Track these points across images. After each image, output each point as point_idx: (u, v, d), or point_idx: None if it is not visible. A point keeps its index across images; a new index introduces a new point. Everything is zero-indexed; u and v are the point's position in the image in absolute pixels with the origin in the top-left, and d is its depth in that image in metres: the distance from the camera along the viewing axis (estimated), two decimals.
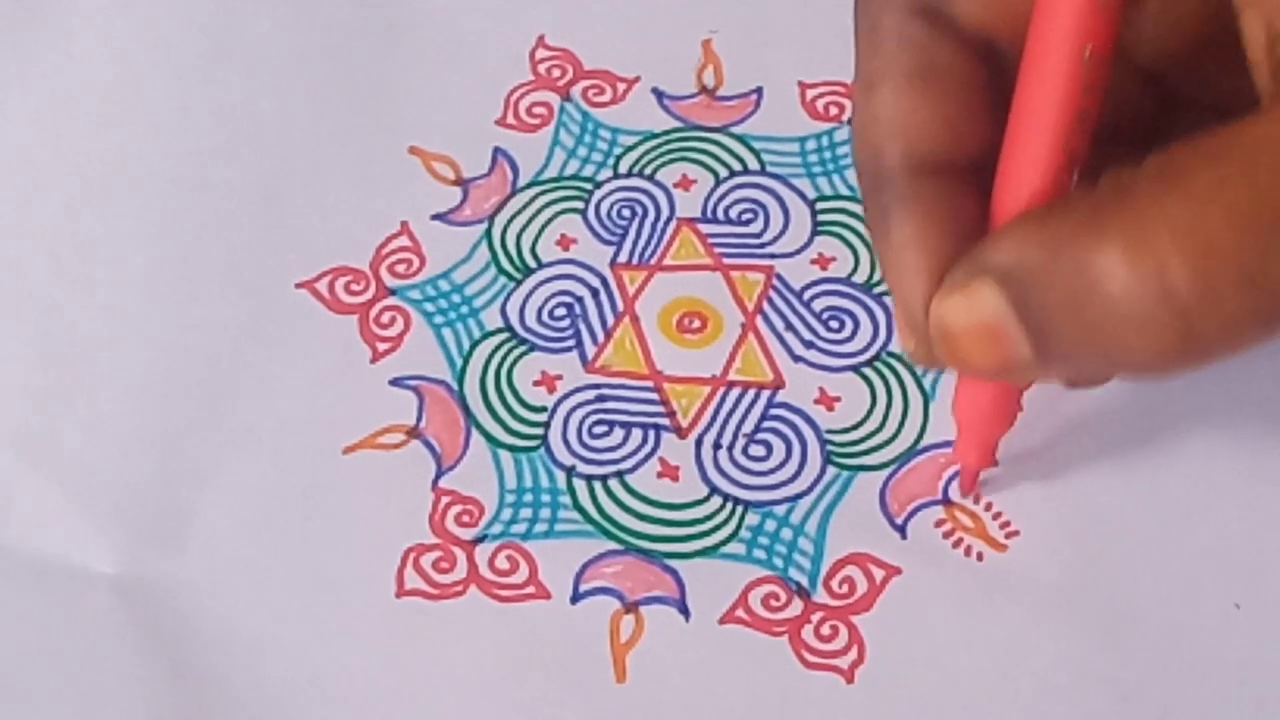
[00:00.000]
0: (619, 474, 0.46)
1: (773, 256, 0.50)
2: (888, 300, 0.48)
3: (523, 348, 0.48)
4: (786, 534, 0.44)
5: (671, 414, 0.47)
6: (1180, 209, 0.31)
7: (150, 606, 0.44)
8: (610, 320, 0.49)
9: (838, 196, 0.51)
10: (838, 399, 0.47)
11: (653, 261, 0.50)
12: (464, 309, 0.49)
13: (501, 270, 0.50)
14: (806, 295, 0.49)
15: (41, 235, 0.52)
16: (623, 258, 0.50)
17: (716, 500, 0.45)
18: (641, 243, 0.50)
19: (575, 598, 0.44)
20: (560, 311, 0.49)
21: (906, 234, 0.38)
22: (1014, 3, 0.37)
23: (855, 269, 0.49)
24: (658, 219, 0.51)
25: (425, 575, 0.44)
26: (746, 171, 0.51)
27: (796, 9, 0.55)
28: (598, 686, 0.42)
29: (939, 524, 0.44)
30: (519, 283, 0.50)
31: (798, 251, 0.50)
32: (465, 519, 0.45)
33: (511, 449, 0.47)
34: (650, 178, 0.52)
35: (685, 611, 0.43)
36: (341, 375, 0.48)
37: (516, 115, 0.53)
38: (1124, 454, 0.45)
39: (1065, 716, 0.41)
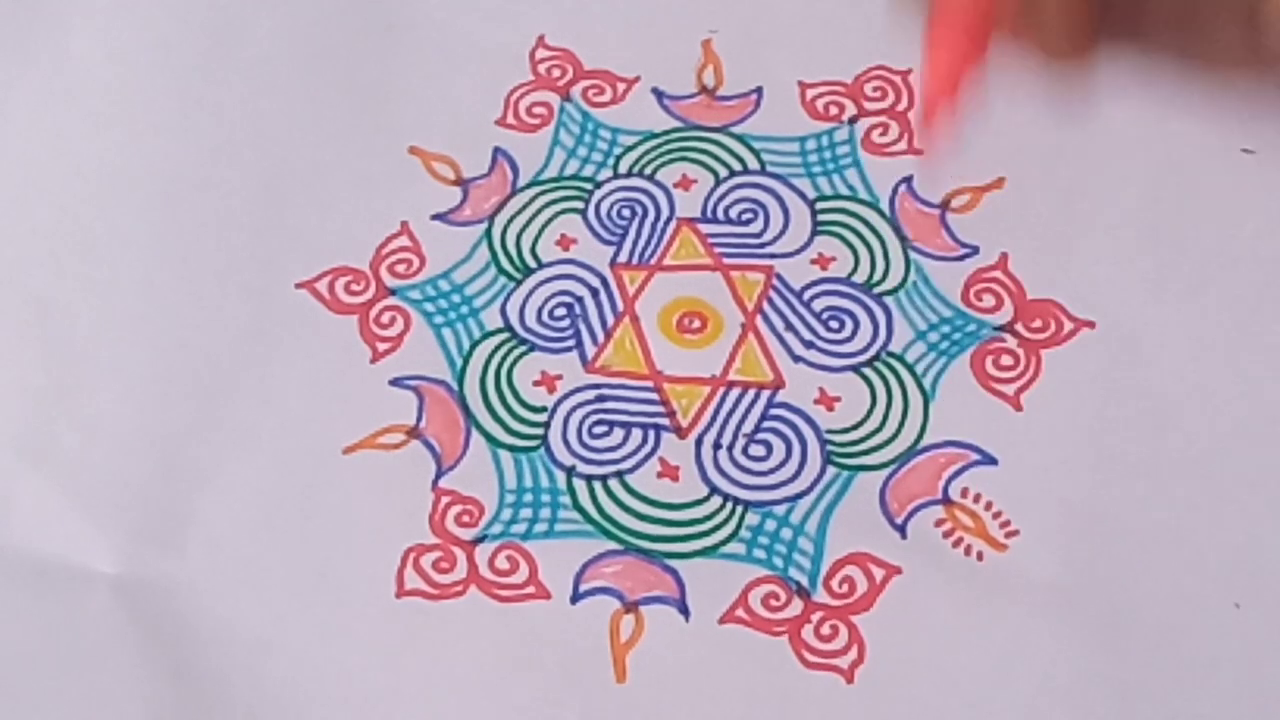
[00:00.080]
0: (619, 474, 0.46)
1: (773, 256, 0.50)
2: (888, 300, 0.48)
3: (523, 348, 0.48)
4: (786, 534, 0.44)
5: (671, 414, 0.47)
6: None
7: (150, 606, 0.44)
8: (610, 320, 0.49)
9: (838, 196, 0.51)
10: (838, 399, 0.47)
11: (653, 261, 0.50)
12: (464, 309, 0.49)
13: (501, 270, 0.50)
14: (806, 295, 0.49)
15: (41, 235, 0.52)
16: (623, 258, 0.50)
17: (716, 500, 0.45)
18: (641, 243, 0.50)
19: (575, 597, 0.44)
20: (560, 311, 0.49)
21: None
22: None
23: (855, 269, 0.49)
24: (658, 219, 0.51)
25: (425, 575, 0.44)
26: (746, 171, 0.51)
27: (796, 9, 0.54)
28: (598, 686, 0.42)
29: (939, 524, 0.44)
30: (519, 283, 0.50)
31: (798, 251, 0.50)
32: (465, 519, 0.45)
33: (511, 449, 0.47)
34: (650, 178, 0.52)
35: (685, 611, 0.43)
36: (341, 375, 0.48)
37: (516, 115, 0.53)
38: (1124, 454, 0.45)
39: (1065, 716, 0.41)
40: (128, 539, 0.45)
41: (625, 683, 0.42)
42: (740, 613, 0.43)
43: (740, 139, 0.52)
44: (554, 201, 0.51)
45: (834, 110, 0.52)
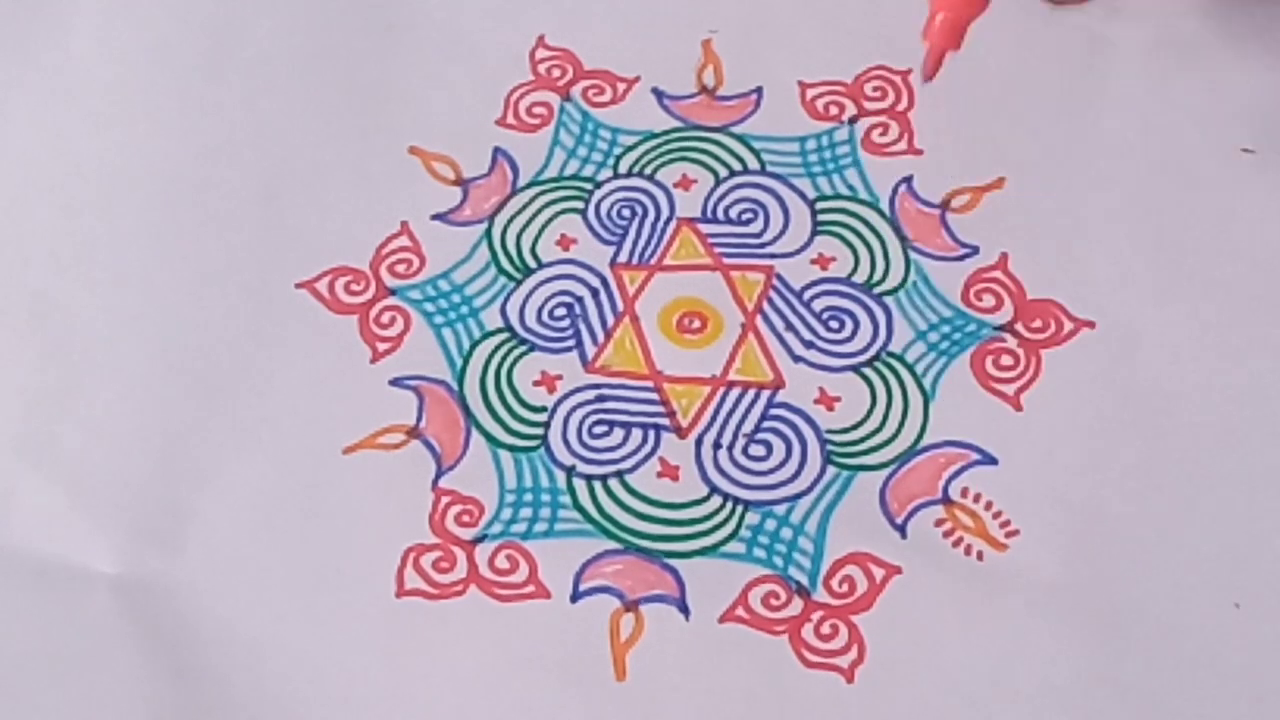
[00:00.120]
0: (619, 474, 0.46)
1: (773, 256, 0.50)
2: (888, 300, 0.48)
3: (523, 348, 0.48)
4: (786, 533, 0.44)
5: (671, 414, 0.47)
6: None
7: (150, 606, 0.44)
8: (610, 320, 0.49)
9: (838, 196, 0.51)
10: (838, 399, 0.47)
11: (653, 261, 0.50)
12: (464, 309, 0.49)
13: (501, 270, 0.50)
14: (806, 295, 0.49)
15: (41, 235, 0.52)
16: (623, 258, 0.50)
17: (716, 500, 0.45)
18: (641, 243, 0.50)
19: (575, 597, 0.44)
20: (560, 311, 0.49)
21: None
22: None
23: (855, 269, 0.49)
24: (658, 219, 0.51)
25: (425, 575, 0.44)
26: (746, 171, 0.51)
27: (796, 9, 0.55)
28: (597, 685, 0.42)
29: (939, 523, 0.44)
30: (519, 283, 0.50)
31: (798, 251, 0.50)
32: (465, 519, 0.45)
33: (511, 449, 0.47)
34: (650, 178, 0.52)
35: (685, 610, 0.43)
36: (341, 375, 0.48)
37: (516, 115, 0.53)
38: (1124, 454, 0.45)
39: (1065, 716, 0.41)
40: (128, 539, 0.45)
41: (625, 682, 0.42)
42: (740, 612, 0.43)
43: (740, 139, 0.52)
44: (554, 201, 0.51)
45: (834, 110, 0.52)
